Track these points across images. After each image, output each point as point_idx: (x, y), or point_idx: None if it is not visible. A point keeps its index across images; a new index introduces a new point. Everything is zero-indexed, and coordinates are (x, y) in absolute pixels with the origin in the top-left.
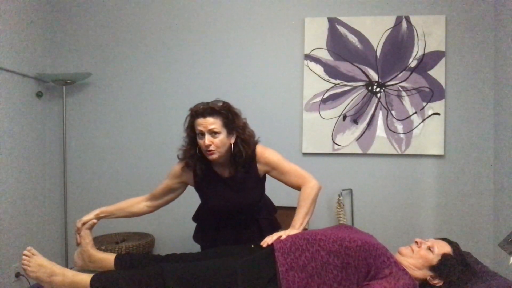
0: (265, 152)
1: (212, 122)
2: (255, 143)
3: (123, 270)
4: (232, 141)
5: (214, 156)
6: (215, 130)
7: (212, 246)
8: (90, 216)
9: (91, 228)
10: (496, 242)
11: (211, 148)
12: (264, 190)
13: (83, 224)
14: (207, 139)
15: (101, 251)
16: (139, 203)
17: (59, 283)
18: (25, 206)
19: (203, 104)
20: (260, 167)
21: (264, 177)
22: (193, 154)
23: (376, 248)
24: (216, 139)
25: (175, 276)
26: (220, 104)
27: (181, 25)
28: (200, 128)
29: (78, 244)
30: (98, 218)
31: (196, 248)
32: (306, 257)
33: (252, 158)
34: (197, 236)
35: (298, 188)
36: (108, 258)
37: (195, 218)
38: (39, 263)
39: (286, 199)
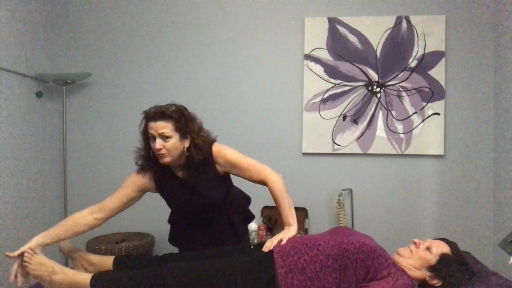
0: (222, 150)
1: (163, 126)
2: (212, 142)
3: (122, 270)
4: (186, 145)
5: (166, 160)
6: (166, 134)
7: (188, 247)
8: (29, 244)
9: (36, 251)
10: (496, 242)
11: (162, 152)
12: (230, 186)
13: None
14: (158, 143)
15: (96, 254)
16: (83, 217)
17: (59, 282)
18: (25, 206)
19: (155, 108)
20: (219, 166)
21: (227, 175)
22: (148, 156)
23: (374, 250)
24: (167, 143)
25: (174, 275)
26: (173, 108)
27: (181, 25)
28: (152, 131)
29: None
30: (40, 245)
31: None
32: (305, 260)
33: (209, 158)
34: (172, 239)
35: (260, 182)
36: (107, 261)
37: (169, 220)
38: (40, 261)
39: None
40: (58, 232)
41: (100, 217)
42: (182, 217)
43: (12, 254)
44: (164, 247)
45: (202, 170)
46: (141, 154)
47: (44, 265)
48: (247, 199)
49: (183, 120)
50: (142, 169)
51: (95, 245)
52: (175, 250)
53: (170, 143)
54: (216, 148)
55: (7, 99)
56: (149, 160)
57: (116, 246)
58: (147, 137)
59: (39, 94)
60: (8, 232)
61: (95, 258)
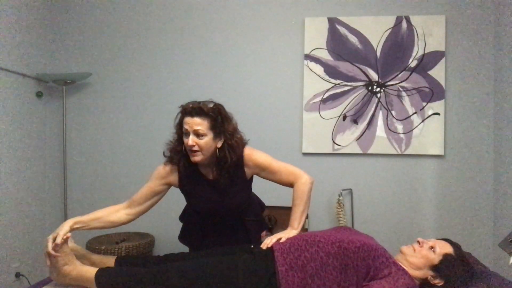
0: (253, 154)
1: (198, 123)
2: (243, 146)
3: (127, 266)
4: (219, 145)
5: (197, 158)
6: (201, 131)
7: (199, 247)
8: (66, 229)
9: (66, 241)
10: (496, 242)
11: (194, 148)
12: (250, 191)
13: (61, 242)
14: (191, 139)
15: (96, 254)
16: (117, 211)
17: (67, 273)
18: (25, 206)
19: (194, 103)
20: (248, 170)
21: (251, 179)
22: (179, 151)
23: (375, 249)
24: (201, 140)
25: (178, 272)
26: (211, 105)
27: (181, 25)
28: (186, 127)
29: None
30: (72, 229)
31: None
32: (306, 257)
33: (239, 161)
34: (183, 237)
35: (290, 185)
36: (108, 261)
37: (182, 218)
38: (65, 249)
39: (287, 199)
40: (88, 220)
41: (130, 213)
42: (199, 217)
43: (53, 253)
44: (164, 247)
45: (232, 172)
46: (172, 147)
47: (66, 254)
48: (262, 206)
49: (219, 119)
50: (169, 161)
51: (95, 245)
52: (175, 250)
53: (203, 141)
54: (247, 151)
55: (7, 99)
56: (180, 154)
57: (116, 246)
58: (181, 132)
59: (39, 94)
60: (7, 231)
61: (96, 257)
